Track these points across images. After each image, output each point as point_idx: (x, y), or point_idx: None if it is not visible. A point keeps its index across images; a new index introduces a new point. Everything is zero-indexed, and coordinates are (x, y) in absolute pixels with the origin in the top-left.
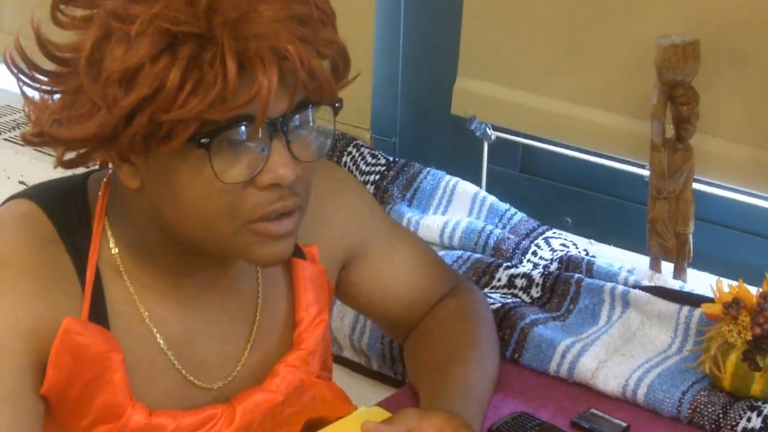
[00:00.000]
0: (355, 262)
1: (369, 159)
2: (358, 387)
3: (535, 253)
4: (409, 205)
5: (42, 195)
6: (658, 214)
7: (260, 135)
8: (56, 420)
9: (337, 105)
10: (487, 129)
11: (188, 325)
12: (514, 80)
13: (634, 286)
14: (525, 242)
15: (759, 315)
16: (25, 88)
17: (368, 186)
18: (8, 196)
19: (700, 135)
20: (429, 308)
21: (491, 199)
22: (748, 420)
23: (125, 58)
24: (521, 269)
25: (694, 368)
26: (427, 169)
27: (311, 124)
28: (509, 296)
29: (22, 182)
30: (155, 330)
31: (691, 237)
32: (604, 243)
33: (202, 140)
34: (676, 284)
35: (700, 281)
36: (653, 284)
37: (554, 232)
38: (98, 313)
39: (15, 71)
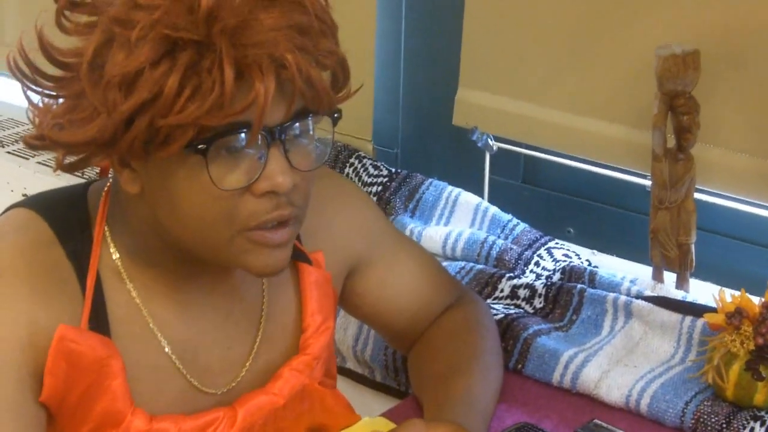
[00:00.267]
0: (360, 270)
1: (371, 170)
2: (361, 398)
3: (537, 264)
4: (411, 217)
5: (42, 204)
6: (660, 224)
7: (258, 142)
8: (57, 427)
9: (336, 115)
10: (489, 139)
11: (192, 329)
12: (515, 91)
13: (637, 297)
14: (527, 253)
15: (761, 325)
16: (28, 93)
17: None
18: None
19: (701, 145)
20: (433, 319)
21: (493, 209)
22: (752, 430)
23: (125, 63)
24: (524, 280)
25: (697, 378)
26: (430, 180)
27: (310, 133)
28: (512, 307)
29: (25, 195)
30: (159, 334)
31: (693, 247)
32: (607, 253)
33: (200, 146)
34: (678, 294)
35: (702, 291)
36: (656, 294)
37: (557, 243)
38: (99, 320)
39: (18, 75)
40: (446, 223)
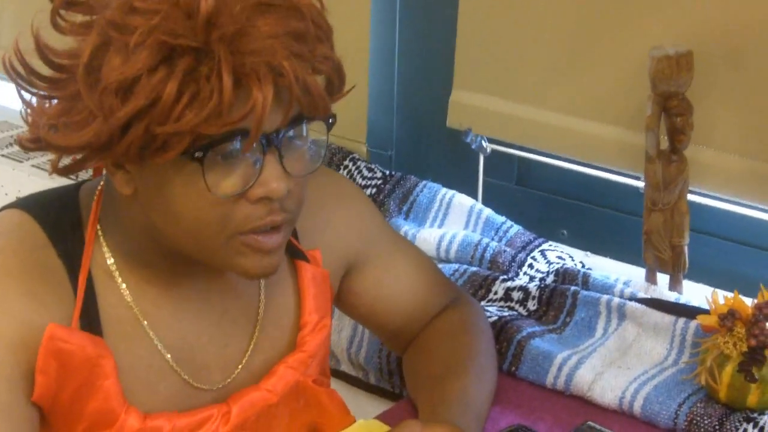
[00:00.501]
0: (356, 270)
1: (365, 172)
2: (355, 401)
3: (531, 266)
4: (405, 219)
5: (33, 204)
6: (653, 226)
7: (254, 148)
8: (51, 427)
9: (330, 120)
10: (483, 141)
11: (187, 328)
12: (509, 93)
13: (630, 299)
14: (521, 255)
15: (754, 326)
16: (23, 93)
17: None
18: None
19: (694, 146)
20: (429, 320)
21: (487, 211)
22: (744, 431)
23: (123, 69)
24: (518, 282)
25: (690, 380)
26: (423, 182)
27: (305, 137)
28: (506, 309)
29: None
30: (152, 333)
31: (686, 248)
32: (600, 255)
33: (196, 154)
34: (671, 296)
35: (695, 293)
36: (649, 296)
37: (550, 245)
38: (90, 319)
39: (13, 75)
40: (440, 225)
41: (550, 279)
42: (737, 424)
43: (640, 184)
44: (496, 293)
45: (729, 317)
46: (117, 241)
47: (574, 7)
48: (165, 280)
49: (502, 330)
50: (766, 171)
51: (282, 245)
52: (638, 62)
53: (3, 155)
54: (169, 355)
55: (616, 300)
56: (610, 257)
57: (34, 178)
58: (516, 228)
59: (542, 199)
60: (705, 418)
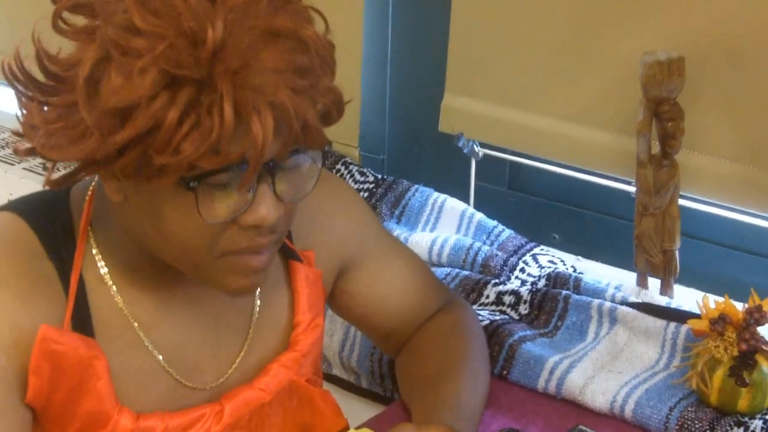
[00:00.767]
0: (350, 271)
1: (357, 176)
2: (347, 404)
3: (523, 270)
4: (397, 223)
5: (24, 206)
6: (644, 230)
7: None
8: (44, 428)
9: (326, 148)
10: (475, 146)
11: (179, 330)
12: (501, 97)
13: (622, 303)
14: (513, 259)
15: (745, 331)
16: (21, 98)
17: None
18: None
19: (685, 151)
20: (422, 322)
21: (479, 215)
22: None
23: (123, 93)
24: (509, 286)
25: (681, 384)
26: (416, 186)
27: (299, 165)
28: (497, 313)
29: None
30: (143, 335)
31: (677, 253)
32: (592, 259)
33: (191, 183)
34: (662, 300)
35: (686, 297)
36: (640, 300)
37: (542, 249)
38: (82, 321)
39: (10, 78)
40: (432, 229)
41: (541, 283)
42: (728, 428)
43: (632, 188)
44: (487, 297)
45: (720, 321)
46: (108, 245)
47: (567, 13)
48: (156, 284)
49: (493, 334)
50: (757, 176)
51: (267, 265)
52: (630, 67)
53: None
54: (160, 357)
55: (608, 304)
56: (602, 261)
57: (25, 180)
58: (508, 232)
59: (534, 203)
60: (696, 422)
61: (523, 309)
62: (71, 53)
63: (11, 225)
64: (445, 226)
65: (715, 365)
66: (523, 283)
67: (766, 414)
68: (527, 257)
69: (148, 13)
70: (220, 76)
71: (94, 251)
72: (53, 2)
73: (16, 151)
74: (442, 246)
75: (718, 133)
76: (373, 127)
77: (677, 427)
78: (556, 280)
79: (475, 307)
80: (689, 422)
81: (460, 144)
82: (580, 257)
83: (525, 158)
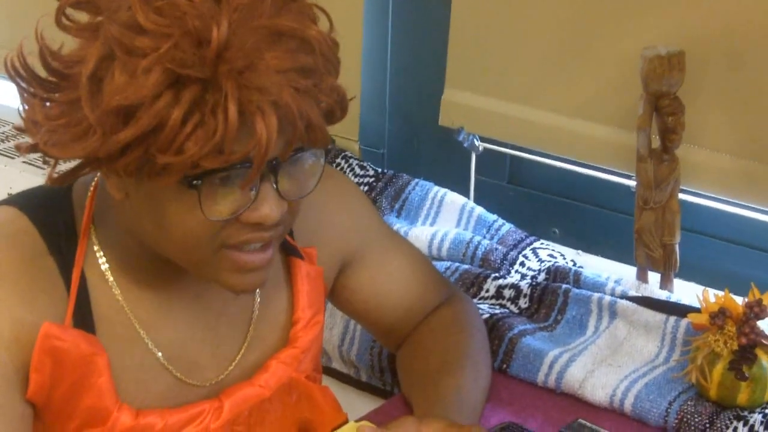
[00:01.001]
0: (352, 266)
1: (357, 170)
2: (346, 398)
3: (522, 264)
4: (397, 217)
5: (26, 201)
6: (644, 225)
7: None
8: (44, 424)
9: (328, 146)
10: (475, 140)
11: (180, 328)
12: (501, 91)
13: (621, 297)
14: (513, 253)
15: (745, 325)
16: (24, 94)
17: None
18: None
19: (686, 145)
20: (423, 317)
21: (479, 210)
22: (735, 430)
23: (127, 92)
24: (509, 280)
25: (680, 378)
26: (416, 180)
27: (302, 163)
28: (497, 307)
29: (10, 194)
30: (143, 332)
31: (677, 247)
32: (592, 253)
33: (194, 182)
34: (662, 294)
35: (686, 291)
36: (640, 294)
37: (542, 243)
38: (83, 318)
39: (13, 74)
40: (432, 223)
41: (541, 277)
42: (727, 422)
43: (632, 183)
44: (487, 291)
45: (720, 315)
46: (109, 241)
47: (567, 7)
48: (156, 281)
49: (493, 327)
50: (757, 170)
51: (268, 263)
52: (630, 62)
53: None
54: (160, 353)
55: (608, 298)
56: (602, 255)
57: (25, 174)
58: (508, 226)
59: (534, 197)
60: (695, 416)
61: (523, 303)
62: (74, 49)
63: (14, 220)
64: (445, 220)
65: (714, 359)
66: (523, 277)
67: (765, 408)
68: (527, 251)
69: (152, 12)
70: (225, 75)
71: (96, 248)
72: None
73: (18, 148)
74: (442, 240)
75: (718, 127)
76: (374, 121)
77: (677, 420)
78: (555, 274)
79: (474, 300)
80: (689, 416)
81: (460, 138)
82: (580, 251)
83: (525, 152)
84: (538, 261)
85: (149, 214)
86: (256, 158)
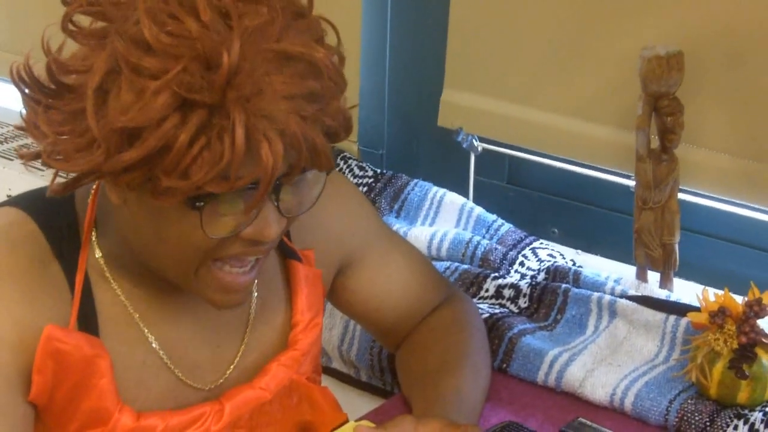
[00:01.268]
0: (351, 267)
1: (356, 171)
2: (346, 398)
3: (522, 264)
4: (396, 217)
5: (29, 202)
6: (644, 224)
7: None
8: (45, 425)
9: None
10: (474, 140)
11: (181, 328)
12: (500, 92)
13: (621, 296)
14: (512, 253)
15: (745, 324)
16: (28, 102)
17: None
18: None
19: (685, 145)
20: (423, 317)
21: (478, 210)
22: (735, 428)
23: (133, 113)
24: (509, 280)
25: (680, 377)
26: (415, 180)
27: (303, 182)
28: (497, 307)
29: (9, 196)
30: (147, 331)
31: (677, 247)
32: (591, 253)
33: (197, 204)
34: (662, 294)
35: (686, 290)
36: (640, 294)
37: (541, 243)
38: (87, 319)
39: (18, 83)
40: (431, 224)
41: (541, 277)
42: (728, 420)
43: (631, 183)
44: (487, 291)
45: (720, 314)
46: (108, 244)
47: (566, 8)
48: (157, 282)
49: (493, 327)
50: (755, 170)
51: (250, 285)
52: (629, 62)
53: None
54: (162, 353)
55: (607, 297)
56: (601, 255)
57: (25, 176)
58: (507, 226)
59: (533, 197)
60: (696, 414)
61: (523, 302)
62: (78, 56)
63: (16, 220)
64: (445, 220)
65: (714, 358)
66: (523, 276)
67: (766, 406)
68: (527, 251)
69: (161, 32)
70: (233, 102)
71: (98, 250)
72: (64, 4)
73: (21, 156)
74: (441, 240)
75: (717, 127)
76: (372, 122)
77: (677, 419)
78: (555, 273)
79: (474, 300)
80: (689, 415)
81: (459, 138)
82: (579, 251)
83: (524, 153)
84: (537, 261)
85: (147, 225)
86: (262, 184)
